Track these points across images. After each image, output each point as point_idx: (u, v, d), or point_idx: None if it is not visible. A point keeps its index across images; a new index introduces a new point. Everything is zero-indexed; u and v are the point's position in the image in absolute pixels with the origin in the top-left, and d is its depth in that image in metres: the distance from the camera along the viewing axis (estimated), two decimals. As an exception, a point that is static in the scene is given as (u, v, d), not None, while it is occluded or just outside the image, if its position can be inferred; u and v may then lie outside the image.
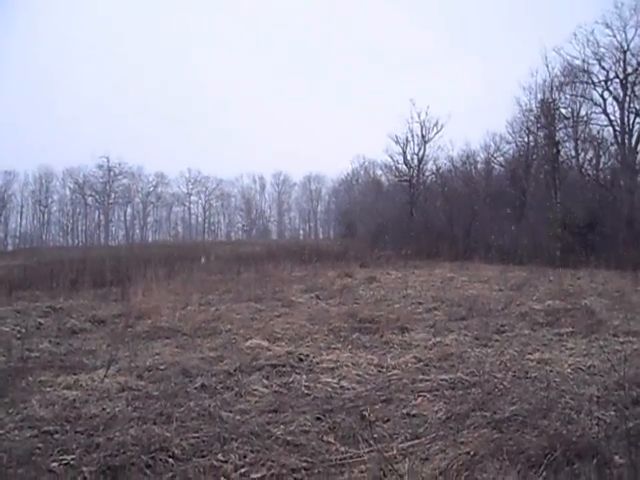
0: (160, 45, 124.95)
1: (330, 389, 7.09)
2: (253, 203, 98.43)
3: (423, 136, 44.09)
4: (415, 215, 41.44)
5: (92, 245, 71.82)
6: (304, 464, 4.84)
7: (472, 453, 4.84)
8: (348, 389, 7.11)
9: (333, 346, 9.52)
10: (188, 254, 31.05)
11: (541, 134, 34.75)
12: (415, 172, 44.89)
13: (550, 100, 33.57)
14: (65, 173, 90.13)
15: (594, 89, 33.85)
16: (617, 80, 32.92)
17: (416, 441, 5.30)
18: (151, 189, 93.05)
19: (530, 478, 4.44)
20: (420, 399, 6.54)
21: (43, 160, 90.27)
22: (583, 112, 34.05)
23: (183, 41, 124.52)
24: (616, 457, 4.63)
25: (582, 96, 33.89)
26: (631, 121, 32.70)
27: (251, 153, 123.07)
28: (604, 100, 33.53)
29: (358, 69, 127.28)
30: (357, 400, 6.61)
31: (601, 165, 35.27)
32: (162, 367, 8.03)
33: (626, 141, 32.81)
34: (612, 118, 33.32)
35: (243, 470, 4.72)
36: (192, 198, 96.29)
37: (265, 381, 7.41)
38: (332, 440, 5.42)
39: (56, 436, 5.52)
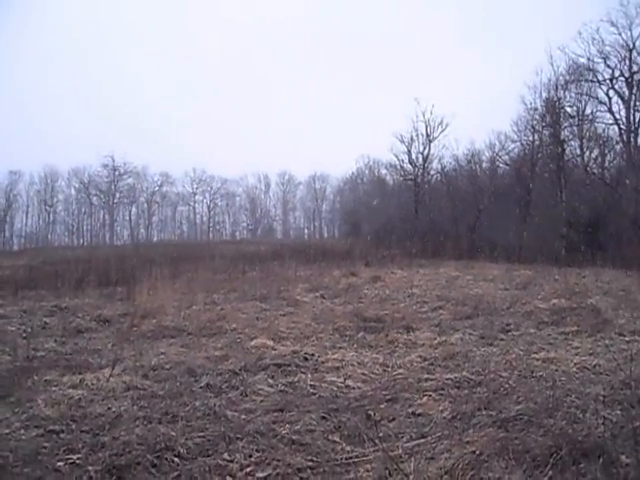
0: (166, 44, 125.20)
1: (335, 388, 7.09)
2: (258, 202, 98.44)
3: (428, 135, 44.04)
4: (420, 214, 41.40)
5: (97, 245, 71.95)
6: (309, 463, 4.84)
7: (478, 452, 4.82)
8: (353, 388, 7.11)
9: (338, 345, 9.52)
10: (193, 253, 31.10)
11: (546, 133, 34.66)
12: (420, 171, 44.84)
13: (555, 99, 33.49)
14: (70, 173, 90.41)
15: (599, 87, 33.81)
16: (622, 78, 32.87)
17: (421, 440, 5.28)
18: (156, 188, 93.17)
19: (536, 477, 4.43)
20: (425, 398, 6.52)
21: (48, 160, 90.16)
22: (588, 110, 33.95)
23: (189, 40, 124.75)
24: (622, 456, 4.61)
25: (587, 94, 33.80)
26: (636, 119, 32.59)
27: (256, 152, 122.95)
28: (609, 98, 33.51)
29: (363, 68, 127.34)
30: (362, 399, 6.61)
31: (606, 164, 35.19)
32: (167, 366, 8.05)
33: (632, 139, 32.73)
34: (617, 116, 33.32)
35: (249, 469, 4.72)
36: (197, 197, 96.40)
37: (270, 380, 7.41)
38: (337, 439, 5.41)
39: (62, 435, 5.53)
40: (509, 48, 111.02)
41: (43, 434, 5.57)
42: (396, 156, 46.50)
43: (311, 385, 7.20)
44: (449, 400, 6.43)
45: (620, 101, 33.23)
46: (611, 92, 33.39)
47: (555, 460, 4.55)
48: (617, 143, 34.28)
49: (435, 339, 9.82)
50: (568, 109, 33.92)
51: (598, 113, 33.97)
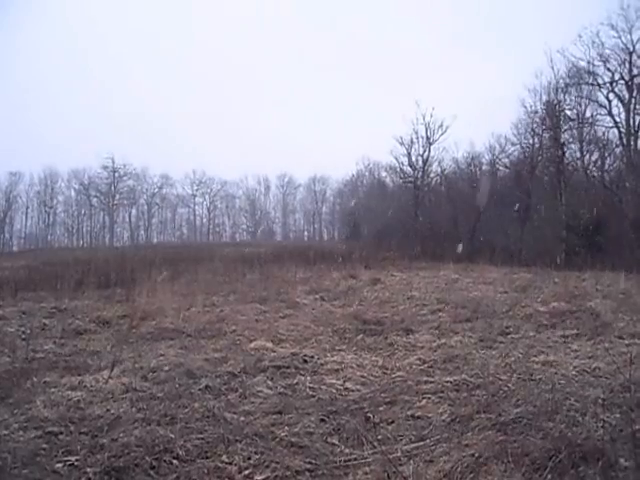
0: (167, 46, 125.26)
1: (334, 391, 7.09)
2: (258, 204, 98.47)
3: (428, 138, 44.01)
4: (420, 217, 41.42)
5: (97, 246, 71.94)
6: (308, 466, 4.85)
7: (477, 455, 4.82)
8: (352, 391, 7.11)
9: (338, 348, 9.51)
10: (192, 255, 31.11)
11: (546, 136, 34.73)
12: (420, 174, 44.83)
13: (555, 102, 33.57)
14: (70, 174, 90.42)
15: (599, 91, 33.79)
16: (622, 82, 32.86)
17: (420, 443, 5.29)
18: (156, 190, 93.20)
19: (535, 481, 4.43)
20: (424, 401, 6.53)
21: (48, 161, 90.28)
22: (588, 114, 34.03)
23: (187, 41, 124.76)
24: (621, 460, 4.61)
25: (587, 98, 33.86)
26: (636, 123, 32.61)
27: (256, 155, 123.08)
28: (609, 102, 33.50)
29: (363, 70, 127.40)
30: (361, 402, 6.61)
31: (606, 167, 35.31)
32: (166, 368, 8.03)
33: (632, 143, 32.75)
34: (617, 120, 33.30)
35: (247, 472, 4.72)
36: (197, 199, 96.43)
37: (269, 382, 7.41)
38: (336, 442, 5.42)
39: (60, 437, 5.53)
40: (509, 51, 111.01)
41: (42, 435, 5.56)
42: (396, 159, 46.52)
43: (310, 387, 7.20)
44: (448, 403, 6.44)
45: (620, 104, 33.26)
46: (611, 95, 33.43)
47: (554, 463, 4.55)
48: (617, 146, 34.34)
49: (434, 342, 9.82)
50: (568, 112, 34.02)
51: (598, 116, 34.06)
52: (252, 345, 9.44)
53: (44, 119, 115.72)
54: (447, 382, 7.26)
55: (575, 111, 33.93)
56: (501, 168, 41.04)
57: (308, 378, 7.59)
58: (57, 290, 16.83)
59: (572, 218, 29.12)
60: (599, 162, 35.14)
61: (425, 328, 11.16)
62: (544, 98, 34.39)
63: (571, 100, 34.00)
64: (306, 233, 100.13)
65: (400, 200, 48.23)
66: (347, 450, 5.21)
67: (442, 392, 6.87)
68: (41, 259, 35.15)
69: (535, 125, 35.59)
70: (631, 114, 32.68)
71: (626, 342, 9.60)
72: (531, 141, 36.03)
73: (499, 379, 7.37)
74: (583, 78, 33.84)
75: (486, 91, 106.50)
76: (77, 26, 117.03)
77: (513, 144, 38.42)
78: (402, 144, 44.92)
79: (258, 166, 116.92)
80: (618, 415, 5.77)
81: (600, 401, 6.19)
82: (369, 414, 6.07)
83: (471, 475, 4.52)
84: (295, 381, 7.45)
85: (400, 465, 4.78)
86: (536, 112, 35.24)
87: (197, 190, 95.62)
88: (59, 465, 4.90)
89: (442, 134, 43.65)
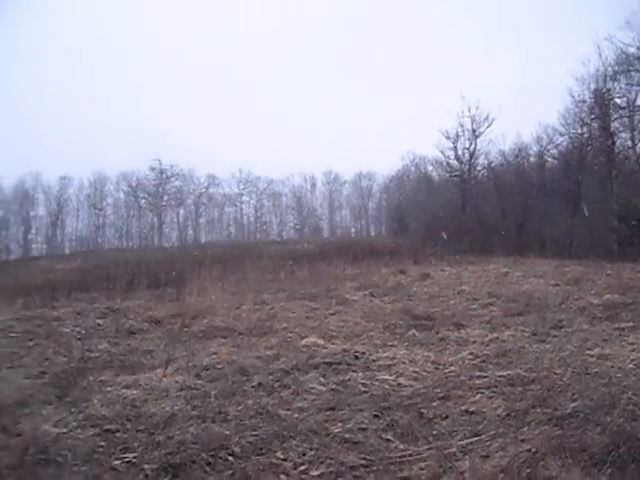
0: (212, 46, 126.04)
1: (387, 386, 7.07)
2: (304, 202, 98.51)
3: (474, 130, 43.52)
4: (467, 210, 41.01)
5: (146, 247, 72.88)
6: (363, 461, 4.85)
7: (533, 450, 4.77)
8: (405, 386, 7.08)
9: (389, 343, 9.48)
10: (241, 254, 31.30)
11: (595, 125, 33.96)
12: (466, 167, 44.40)
13: (604, 90, 32.81)
14: (119, 177, 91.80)
15: (651, 77, 32.88)
16: (674, 66, 31.97)
17: (475, 438, 5.24)
18: (203, 190, 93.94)
19: (594, 476, 4.36)
20: (478, 396, 6.46)
21: (97, 165, 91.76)
22: (639, 101, 33.19)
23: (234, 41, 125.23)
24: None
25: (638, 85, 33.03)
26: (690, 108, 31.73)
27: (302, 152, 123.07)
28: (661, 88, 32.60)
29: (407, 63, 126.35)
30: (415, 397, 6.58)
31: (659, 155, 34.36)
32: (219, 366, 8.11)
33: (685, 129, 31.90)
34: (670, 106, 32.37)
35: (302, 468, 4.75)
36: (244, 198, 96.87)
37: (322, 379, 7.42)
38: (391, 437, 5.41)
39: (118, 434, 5.64)
40: (555, 38, 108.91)
41: (99, 433, 5.68)
42: (442, 152, 46.11)
43: (362, 383, 7.20)
44: (502, 398, 6.37)
45: (672, 89, 32.35)
46: (663, 81, 32.52)
47: (614, 458, 4.47)
48: (670, 133, 33.42)
49: (486, 336, 9.71)
50: (618, 100, 33.18)
51: (650, 103, 33.13)
52: (303, 342, 9.47)
53: (91, 123, 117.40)
54: (501, 377, 7.19)
55: (625, 99, 33.09)
56: (549, 159, 40.34)
57: (360, 374, 7.59)
58: (109, 291, 17.14)
59: (624, 208, 28.49)
60: (651, 150, 34.26)
61: (476, 322, 11.05)
62: (592, 86, 33.62)
63: (620, 88, 33.16)
64: (353, 229, 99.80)
65: (447, 194, 47.80)
66: (402, 446, 5.20)
67: (496, 387, 6.81)
68: (92, 261, 35.82)
69: (584, 114, 34.83)
70: (684, 99, 31.84)
71: (684, 334, 9.38)
72: (580, 131, 35.29)
73: (554, 373, 7.25)
74: (633, 65, 32.99)
75: (532, 81, 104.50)
76: (116, 24, 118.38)
77: (561, 134, 37.67)
78: (448, 138, 44.53)
79: (304, 163, 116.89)
80: (679, 408, 5.64)
81: (660, 394, 6.07)
82: (423, 410, 6.05)
83: (528, 470, 4.46)
84: (347, 377, 7.46)
85: (456, 460, 4.75)
86: (584, 101, 34.47)
87: (244, 189, 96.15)
88: (117, 462, 5.00)
89: (488, 126, 43.12)
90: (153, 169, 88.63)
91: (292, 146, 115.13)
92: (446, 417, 5.88)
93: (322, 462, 4.82)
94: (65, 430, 5.74)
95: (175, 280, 18.43)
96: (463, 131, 43.90)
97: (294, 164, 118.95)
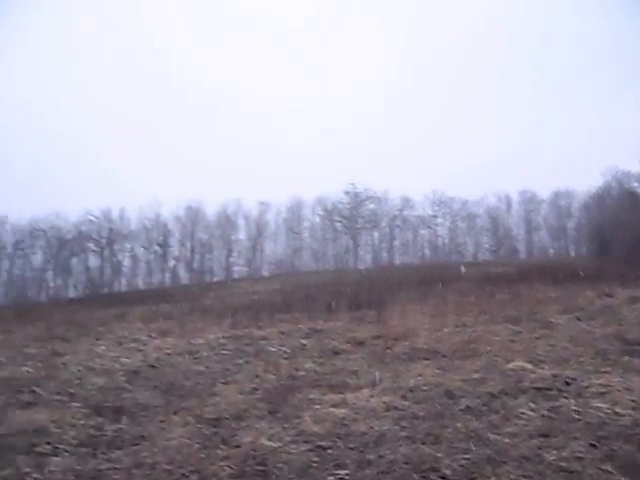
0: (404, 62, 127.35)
1: (603, 415, 6.69)
2: (500, 222, 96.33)
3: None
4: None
5: (342, 269, 74.37)
6: (582, 492, 4.62)
7: None
8: (623, 415, 6.66)
9: (601, 369, 8.95)
10: (437, 276, 31.08)
11: None
12: (678, 183, 41.48)
13: None
14: (314, 201, 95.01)
15: None
16: None
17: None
18: (397, 213, 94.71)
19: None
20: None
21: (294, 190, 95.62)
22: None
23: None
24: None
25: None
26: None
27: (496, 171, 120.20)
28: None
29: (597, 74, 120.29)
30: (635, 427, 6.18)
31: None
32: (425, 388, 8.08)
33: None
34: None
35: (517, 494, 4.61)
36: (437, 220, 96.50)
37: (532, 404, 7.17)
38: (610, 469, 5.12)
39: (329, 451, 5.80)
40: None
41: (312, 449, 5.87)
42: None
43: (575, 410, 6.87)
44: None
45: None
46: None
47: None
48: None
49: None
50: None
51: None
52: (510, 366, 9.19)
53: (287, 150, 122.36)
54: None
55: None
56: None
57: (572, 401, 7.25)
58: (310, 312, 17.63)
59: None
60: None
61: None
62: None
63: None
64: (551, 250, 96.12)
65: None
66: (623, 478, 4.89)
67: None
68: (291, 283, 37.11)
69: None
70: None
71: None
72: None
73: None
74: None
75: None
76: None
77: None
78: (657, 152, 41.92)
79: (498, 183, 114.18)
80: None
81: None
82: (646, 441, 5.66)
83: None
84: (559, 404, 7.16)
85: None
86: None
87: (437, 211, 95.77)
88: (331, 478, 5.15)
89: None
90: (347, 193, 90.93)
91: (486, 165, 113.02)
92: (672, 450, 5.46)
93: (537, 490, 4.66)
94: (280, 444, 5.98)
95: (373, 302, 18.63)
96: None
97: (489, 184, 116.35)
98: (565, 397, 7.46)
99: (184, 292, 39.05)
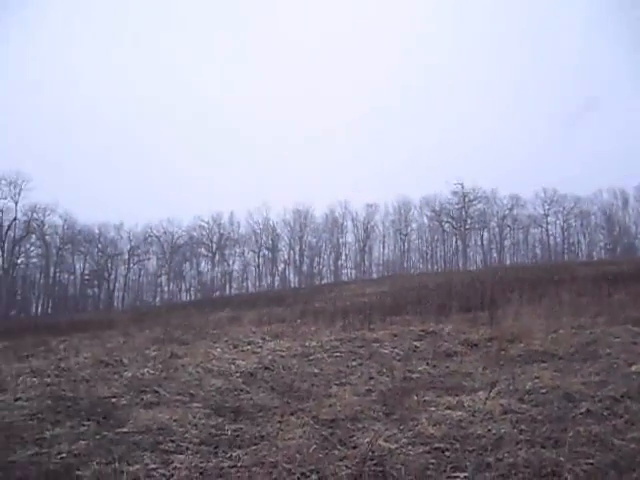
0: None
1: None
2: (615, 220, 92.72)
3: None
4: None
5: (451, 270, 73.52)
6: None
7: None
8: None
9: None
10: (549, 276, 30.21)
11: None
12: None
13: None
14: (422, 202, 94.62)
15: None
16: None
17: None
18: (506, 212, 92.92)
19: None
20: None
21: (401, 191, 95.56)
22: None
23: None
24: None
25: None
26: None
27: (610, 167, 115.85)
28: None
29: None
30: None
31: None
32: (543, 391, 7.92)
33: None
34: None
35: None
36: (549, 219, 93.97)
37: (671, 409, 6.89)
38: None
39: (447, 453, 5.80)
40: None
41: (429, 451, 5.88)
42: None
43: None
44: None
45: None
46: None
47: None
48: None
49: None
50: None
51: None
52: (633, 369, 8.86)
53: (398, 154, 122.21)
54: None
55: None
56: None
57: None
58: (421, 313, 17.57)
59: None
60: None
61: None
62: None
63: None
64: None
65: None
66: None
67: None
68: (400, 284, 37.07)
69: None
70: None
71: None
72: None
73: None
74: None
75: None
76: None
77: None
78: None
79: (613, 179, 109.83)
80: None
81: None
82: None
83: None
84: (686, 408, 6.85)
85: None
86: None
87: (549, 209, 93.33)
88: (448, 480, 5.11)
89: None
90: (455, 193, 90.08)
91: (599, 160, 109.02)
92: None
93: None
94: (397, 446, 6.01)
95: (485, 303, 18.36)
96: None
97: (602, 180, 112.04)
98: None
99: (294, 295, 39.78)
